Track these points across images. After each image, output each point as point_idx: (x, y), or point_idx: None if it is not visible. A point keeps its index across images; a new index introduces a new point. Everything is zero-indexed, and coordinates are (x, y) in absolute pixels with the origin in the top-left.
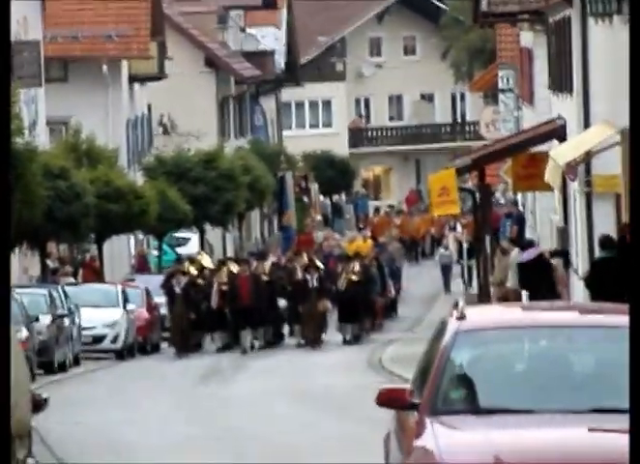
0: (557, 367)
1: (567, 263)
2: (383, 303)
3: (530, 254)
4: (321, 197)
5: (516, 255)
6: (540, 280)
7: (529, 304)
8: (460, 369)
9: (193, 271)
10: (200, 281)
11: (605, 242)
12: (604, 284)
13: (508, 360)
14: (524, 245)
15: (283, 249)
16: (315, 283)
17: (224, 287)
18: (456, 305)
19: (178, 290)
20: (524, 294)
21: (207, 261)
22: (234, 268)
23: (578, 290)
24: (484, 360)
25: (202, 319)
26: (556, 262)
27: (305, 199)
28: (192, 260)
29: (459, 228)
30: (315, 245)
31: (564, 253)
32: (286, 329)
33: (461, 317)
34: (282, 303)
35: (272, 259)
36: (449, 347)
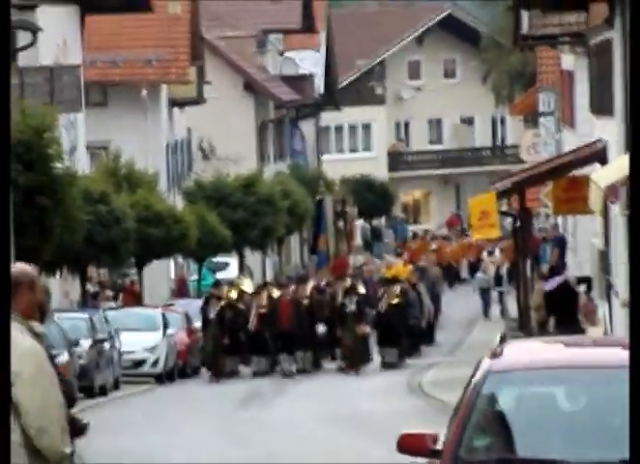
0: (592, 414)
1: (589, 290)
2: (421, 327)
3: (553, 283)
4: (360, 221)
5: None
6: (566, 308)
7: (574, 340)
8: (489, 414)
9: (233, 295)
10: (240, 306)
11: None
12: None
13: (541, 405)
14: (549, 275)
15: (315, 273)
16: (353, 308)
17: (263, 311)
18: (503, 339)
19: (212, 315)
20: (551, 321)
21: (246, 285)
22: (274, 292)
23: (619, 316)
24: (516, 404)
25: (238, 344)
26: (581, 289)
27: (341, 224)
28: (232, 284)
29: (497, 253)
30: (350, 269)
31: (587, 280)
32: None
33: (495, 355)
34: (321, 328)
35: (312, 283)
36: (477, 389)
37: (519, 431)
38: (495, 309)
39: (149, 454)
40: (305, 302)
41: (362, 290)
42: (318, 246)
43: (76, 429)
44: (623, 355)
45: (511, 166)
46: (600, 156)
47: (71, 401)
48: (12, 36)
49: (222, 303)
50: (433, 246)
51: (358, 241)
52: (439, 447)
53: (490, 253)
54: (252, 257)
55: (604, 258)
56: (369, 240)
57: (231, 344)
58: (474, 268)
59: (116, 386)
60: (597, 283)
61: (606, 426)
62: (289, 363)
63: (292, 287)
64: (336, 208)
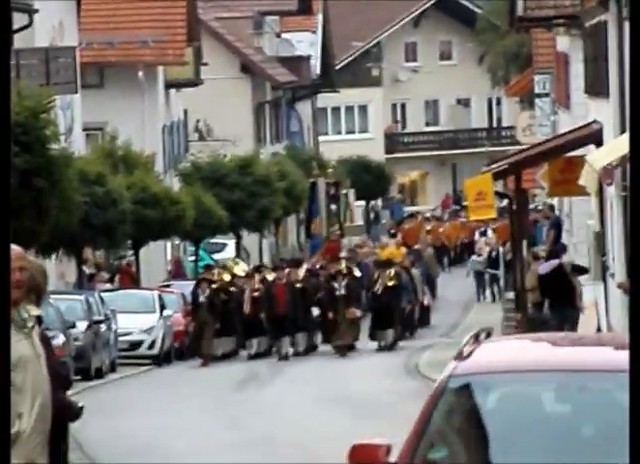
0: (567, 425)
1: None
2: (413, 310)
3: (548, 266)
4: (358, 203)
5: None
6: (560, 291)
7: (561, 338)
8: (448, 424)
9: (227, 277)
10: (232, 289)
11: None
12: None
13: (510, 413)
14: (547, 255)
15: (309, 256)
16: (343, 291)
17: (257, 294)
18: (476, 337)
19: (202, 298)
20: (545, 303)
21: (239, 268)
22: (269, 275)
23: (615, 298)
24: (481, 412)
25: (231, 327)
26: (575, 278)
27: (334, 206)
28: (225, 267)
29: (490, 233)
30: (344, 252)
31: (584, 272)
32: (319, 336)
33: (461, 355)
34: (315, 311)
35: (306, 266)
36: (437, 394)
37: (482, 443)
38: (489, 292)
39: (146, 436)
40: (299, 285)
41: (357, 273)
42: (312, 230)
43: (72, 413)
44: (610, 356)
45: (508, 147)
46: (596, 137)
47: (66, 384)
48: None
49: (213, 286)
50: (427, 227)
51: (358, 222)
52: (392, 459)
53: (483, 234)
54: (249, 238)
55: (600, 240)
56: (372, 220)
57: (223, 327)
58: (467, 249)
59: (112, 368)
60: (593, 265)
61: (582, 438)
62: (286, 346)
63: (286, 270)
64: (330, 190)
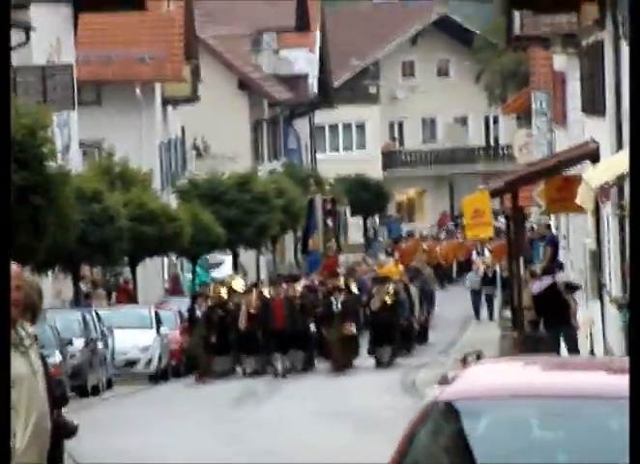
0: (558, 455)
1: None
2: (411, 328)
3: (541, 285)
4: (351, 220)
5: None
6: (554, 310)
7: (554, 362)
8: (429, 450)
9: (224, 293)
10: (229, 305)
11: None
12: None
13: (496, 442)
14: (541, 274)
15: (306, 273)
16: (339, 307)
17: (253, 310)
18: (464, 360)
19: (199, 314)
20: (541, 322)
21: (237, 284)
22: (266, 291)
23: (612, 316)
24: (464, 441)
25: (227, 343)
26: (569, 296)
27: (330, 223)
28: (222, 283)
29: (487, 253)
30: (341, 268)
31: (575, 288)
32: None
33: (446, 380)
34: (312, 327)
35: (303, 282)
36: (418, 421)
37: None
38: (485, 311)
39: (142, 454)
40: (298, 301)
41: (354, 289)
42: (309, 246)
43: (67, 431)
44: (604, 381)
45: (505, 165)
46: (592, 155)
47: (62, 401)
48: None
49: (210, 302)
50: (424, 245)
51: (354, 239)
52: None
53: (480, 254)
54: (247, 255)
55: (596, 258)
56: (371, 237)
57: (219, 344)
58: (463, 268)
59: (109, 385)
60: (589, 283)
61: None
62: (282, 363)
63: (284, 286)
64: (326, 207)
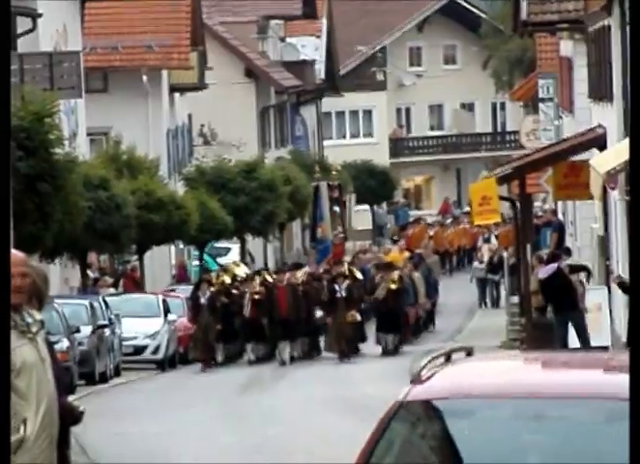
0: (523, 458)
1: (588, 278)
2: (416, 315)
3: (547, 271)
4: (356, 207)
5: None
6: (561, 296)
7: (546, 358)
8: (394, 453)
9: (227, 280)
10: (234, 291)
11: None
12: None
13: (470, 447)
14: (547, 259)
15: (318, 261)
16: (344, 294)
17: (257, 297)
18: (448, 357)
19: (203, 300)
20: (549, 307)
21: (240, 270)
22: (270, 278)
23: (619, 301)
24: (434, 444)
25: (233, 330)
26: (575, 278)
27: (337, 209)
28: (225, 269)
29: (493, 239)
30: (348, 256)
31: (582, 269)
32: (322, 340)
33: (418, 378)
34: (318, 313)
35: (306, 269)
36: (384, 424)
37: None
38: (489, 299)
39: (149, 441)
40: (301, 288)
41: (358, 275)
42: (318, 234)
43: (72, 417)
44: (598, 380)
45: (512, 152)
46: (599, 142)
47: (69, 388)
48: (11, 21)
49: (214, 288)
50: (430, 232)
51: (359, 227)
52: None
53: (486, 240)
54: (254, 243)
55: (604, 243)
56: (381, 224)
57: (224, 331)
58: (470, 255)
59: (117, 372)
60: (597, 269)
61: None
62: (287, 351)
63: (287, 274)
64: (333, 194)
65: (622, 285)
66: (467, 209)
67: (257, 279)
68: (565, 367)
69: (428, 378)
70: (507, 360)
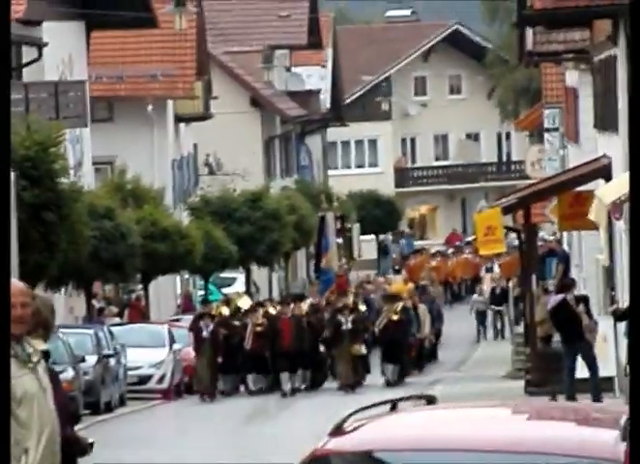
0: None
1: (587, 309)
2: (420, 346)
3: (553, 301)
4: (362, 237)
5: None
6: (567, 327)
7: (498, 410)
8: None
9: (225, 311)
10: (235, 323)
11: None
12: None
13: None
14: (557, 290)
15: (321, 291)
16: (349, 326)
17: (259, 328)
18: (394, 406)
19: (206, 333)
20: (556, 337)
21: (243, 302)
22: (272, 309)
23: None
24: None
25: (234, 362)
26: (581, 309)
27: (340, 240)
28: (227, 301)
29: (496, 269)
30: (351, 286)
31: (583, 300)
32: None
33: (339, 430)
34: (322, 346)
35: (310, 301)
36: None
37: None
38: (490, 331)
39: None
40: (305, 319)
41: (362, 308)
42: (322, 265)
43: (81, 448)
44: (528, 434)
45: (517, 182)
46: (605, 172)
47: (75, 418)
48: (17, 51)
49: (215, 320)
50: (433, 263)
51: (364, 256)
52: None
53: (489, 270)
54: (259, 272)
55: (609, 274)
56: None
57: (225, 363)
58: (472, 286)
59: (122, 402)
60: (602, 299)
61: None
62: (290, 383)
63: (291, 305)
64: (336, 224)
65: (615, 313)
66: (469, 239)
67: (260, 311)
68: (497, 420)
69: (354, 429)
70: (446, 410)
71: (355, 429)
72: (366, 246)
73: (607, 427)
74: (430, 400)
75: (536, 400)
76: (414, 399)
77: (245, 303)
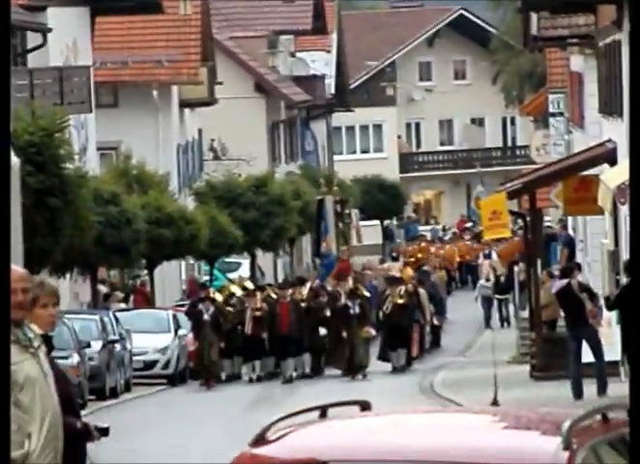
0: None
1: (592, 297)
2: (423, 331)
3: (558, 285)
4: (364, 222)
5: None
6: (572, 310)
7: (409, 415)
8: None
9: (219, 297)
10: (229, 309)
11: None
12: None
13: None
14: (560, 274)
15: (322, 277)
16: (357, 310)
17: (258, 313)
18: (365, 407)
19: (206, 317)
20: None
21: (237, 288)
22: (272, 294)
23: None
24: None
25: (234, 347)
26: (584, 295)
27: (340, 225)
28: (221, 288)
29: (494, 256)
30: (352, 272)
31: (587, 289)
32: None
33: (259, 441)
34: (322, 331)
35: (309, 285)
36: None
37: None
38: (496, 318)
39: (160, 456)
40: (304, 304)
41: (365, 293)
42: (323, 249)
43: (89, 434)
44: (455, 443)
45: (522, 167)
46: (610, 156)
47: (80, 406)
48: (22, 37)
49: (216, 304)
50: (432, 249)
51: (362, 242)
52: None
53: (487, 256)
54: (264, 258)
55: (614, 258)
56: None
57: (227, 348)
58: (471, 272)
59: (127, 387)
60: (607, 284)
61: None
62: (290, 368)
63: (290, 289)
64: (335, 208)
65: (606, 300)
66: (468, 224)
67: (259, 295)
68: (430, 428)
69: (277, 438)
70: (377, 417)
71: (278, 438)
72: (371, 230)
73: (549, 434)
74: (364, 406)
75: (476, 407)
76: (346, 405)
77: (236, 289)
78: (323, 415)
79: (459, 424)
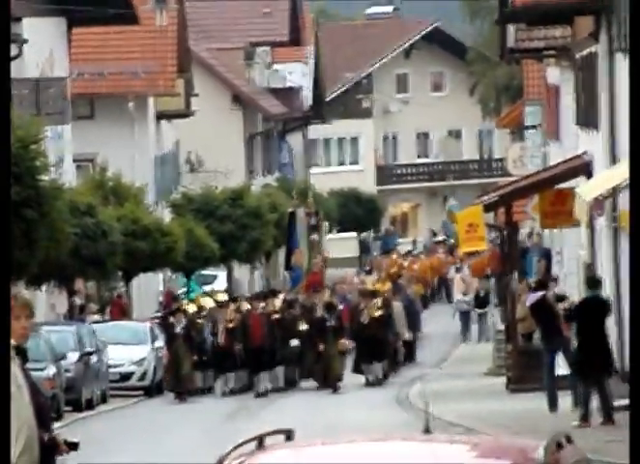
0: None
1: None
2: (397, 345)
3: (533, 298)
4: (341, 235)
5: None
6: (546, 322)
7: (341, 446)
8: None
9: (191, 309)
10: (200, 321)
11: (591, 281)
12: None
13: None
14: (535, 287)
15: (289, 289)
16: (334, 322)
17: (231, 325)
18: (260, 442)
19: (178, 329)
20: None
21: (208, 300)
22: (243, 306)
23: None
24: None
25: (206, 360)
26: (560, 306)
27: (314, 237)
28: (193, 300)
29: (466, 270)
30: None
31: (562, 299)
32: (297, 370)
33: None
34: (294, 342)
35: (282, 297)
36: None
37: None
38: (474, 331)
39: None
40: (276, 316)
41: (339, 306)
42: (292, 262)
43: (57, 447)
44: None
45: (499, 179)
46: (586, 169)
47: (53, 419)
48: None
49: (188, 317)
50: (405, 263)
51: (333, 255)
52: None
53: (458, 270)
54: (240, 270)
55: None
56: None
57: (199, 360)
58: (443, 285)
59: (104, 399)
60: (583, 295)
61: None
62: (264, 382)
63: (262, 302)
64: (310, 221)
65: (566, 311)
66: (439, 238)
67: (232, 307)
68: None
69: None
70: (328, 446)
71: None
72: (348, 243)
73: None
74: (288, 435)
75: (411, 434)
76: (272, 434)
77: (207, 301)
78: (260, 444)
79: (391, 455)
